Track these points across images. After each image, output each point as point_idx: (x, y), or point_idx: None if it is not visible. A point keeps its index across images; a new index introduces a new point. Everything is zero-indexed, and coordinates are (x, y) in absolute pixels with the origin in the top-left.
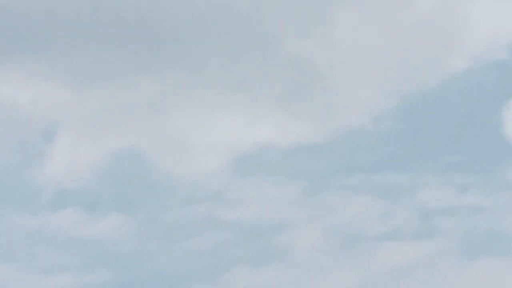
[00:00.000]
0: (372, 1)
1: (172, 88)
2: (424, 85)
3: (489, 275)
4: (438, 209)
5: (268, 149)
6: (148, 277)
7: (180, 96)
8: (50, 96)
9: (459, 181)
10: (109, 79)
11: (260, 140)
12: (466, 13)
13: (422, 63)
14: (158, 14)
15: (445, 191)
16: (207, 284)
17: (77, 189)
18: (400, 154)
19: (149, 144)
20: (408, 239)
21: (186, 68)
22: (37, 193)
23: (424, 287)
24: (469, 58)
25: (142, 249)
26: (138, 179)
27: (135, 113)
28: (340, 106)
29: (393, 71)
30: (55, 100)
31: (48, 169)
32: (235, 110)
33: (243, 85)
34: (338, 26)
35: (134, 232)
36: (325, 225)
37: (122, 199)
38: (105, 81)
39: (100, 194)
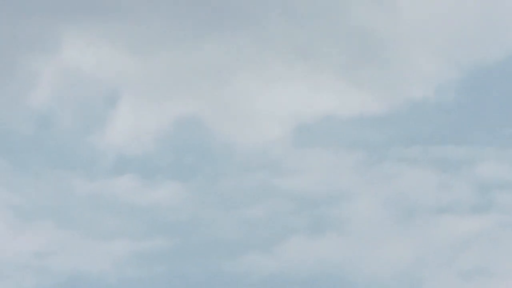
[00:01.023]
0: None
1: (235, 55)
2: (489, 57)
3: None
4: (496, 183)
5: (330, 119)
6: (203, 244)
7: (243, 63)
8: (113, 61)
9: None
10: (173, 44)
11: (322, 109)
12: None
13: (488, 35)
14: None
15: (505, 165)
16: (263, 253)
17: (137, 155)
18: (460, 127)
19: (210, 111)
20: (466, 213)
21: (249, 34)
22: (97, 158)
23: (481, 261)
24: None
25: (198, 216)
26: (198, 147)
27: (197, 80)
28: (404, 76)
29: (458, 42)
30: (118, 66)
31: (109, 135)
32: (298, 79)
33: (307, 53)
34: None
35: (190, 199)
36: (383, 196)
37: (180, 166)
38: (168, 47)
39: (159, 161)
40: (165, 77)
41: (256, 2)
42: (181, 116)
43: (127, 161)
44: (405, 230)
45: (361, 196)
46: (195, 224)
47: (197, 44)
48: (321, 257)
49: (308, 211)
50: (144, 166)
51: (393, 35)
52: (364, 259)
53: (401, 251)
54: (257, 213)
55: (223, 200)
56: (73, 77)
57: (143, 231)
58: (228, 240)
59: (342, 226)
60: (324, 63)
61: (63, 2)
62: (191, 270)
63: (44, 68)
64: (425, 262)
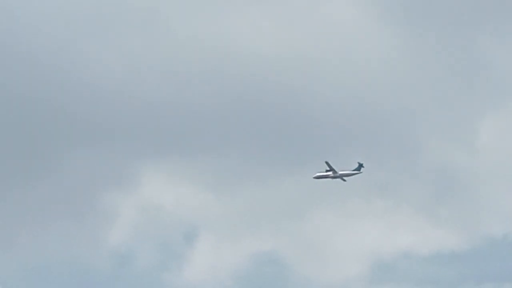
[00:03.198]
0: None
1: (313, 192)
2: None
3: None
4: None
5: (408, 256)
6: None
7: (322, 199)
8: (192, 198)
9: None
10: (251, 181)
11: (400, 246)
12: None
13: None
14: (301, 119)
15: None
16: None
17: None
18: None
19: (288, 248)
20: None
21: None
22: None
23: None
24: None
25: None
26: (275, 285)
27: (276, 216)
28: (484, 213)
29: None
30: (196, 202)
31: (186, 272)
32: (376, 215)
33: (385, 190)
34: (482, 133)
35: None
36: None
37: None
38: (247, 184)
39: None
40: (244, 213)
41: (335, 140)
42: (259, 253)
43: None
44: None
45: None
46: None
47: (275, 180)
48: None
49: None
50: None
51: (472, 173)
52: None
53: None
54: None
55: None
56: (151, 213)
57: None
58: None
59: None
60: (402, 200)
61: (142, 140)
62: None
63: (124, 204)
64: None
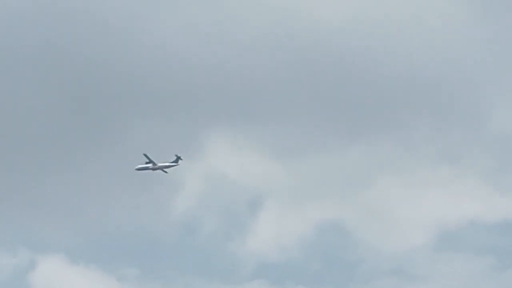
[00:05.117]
0: None
1: (379, 159)
2: None
3: None
4: None
5: (474, 225)
6: None
7: (387, 168)
8: (257, 167)
9: None
10: (317, 150)
11: (466, 215)
12: None
13: None
14: (368, 86)
15: None
16: None
17: (276, 261)
18: None
19: (353, 217)
20: None
21: (394, 138)
22: (236, 264)
23: None
24: None
25: None
26: (337, 253)
27: (340, 184)
28: None
29: None
30: (261, 171)
31: (250, 241)
32: (442, 184)
33: (451, 159)
34: None
35: None
36: None
37: (311, 272)
38: (312, 152)
39: (292, 268)
40: (308, 182)
41: (403, 108)
42: (324, 221)
43: (266, 267)
44: None
45: None
46: None
47: (341, 148)
48: None
49: None
50: (277, 272)
51: None
52: None
53: None
54: None
55: None
56: (216, 182)
57: None
58: None
59: None
60: (468, 168)
61: (207, 108)
62: None
63: (189, 173)
64: None
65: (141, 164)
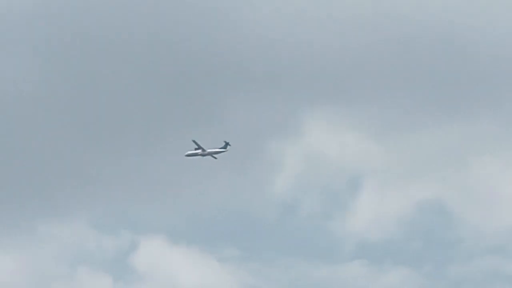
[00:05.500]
0: None
1: (477, 138)
2: None
3: None
4: None
5: None
6: None
7: (486, 146)
8: (356, 146)
9: None
10: (415, 128)
11: None
12: None
13: None
14: (470, 63)
15: None
16: None
17: (376, 241)
18: None
19: (453, 196)
20: None
21: (493, 117)
22: (336, 244)
23: None
24: None
25: None
26: (437, 232)
27: (439, 163)
28: None
29: None
30: (361, 150)
31: (350, 220)
32: None
33: None
34: None
35: (418, 286)
36: None
37: (411, 251)
38: (411, 131)
39: (392, 247)
40: (408, 161)
41: (502, 85)
42: (424, 200)
43: (365, 247)
44: None
45: None
46: None
47: (440, 127)
48: None
49: None
50: (377, 252)
51: None
52: None
53: None
54: None
55: (451, 287)
56: (316, 162)
57: None
58: None
59: None
60: None
61: (306, 88)
62: None
63: (288, 153)
64: None
65: (191, 150)
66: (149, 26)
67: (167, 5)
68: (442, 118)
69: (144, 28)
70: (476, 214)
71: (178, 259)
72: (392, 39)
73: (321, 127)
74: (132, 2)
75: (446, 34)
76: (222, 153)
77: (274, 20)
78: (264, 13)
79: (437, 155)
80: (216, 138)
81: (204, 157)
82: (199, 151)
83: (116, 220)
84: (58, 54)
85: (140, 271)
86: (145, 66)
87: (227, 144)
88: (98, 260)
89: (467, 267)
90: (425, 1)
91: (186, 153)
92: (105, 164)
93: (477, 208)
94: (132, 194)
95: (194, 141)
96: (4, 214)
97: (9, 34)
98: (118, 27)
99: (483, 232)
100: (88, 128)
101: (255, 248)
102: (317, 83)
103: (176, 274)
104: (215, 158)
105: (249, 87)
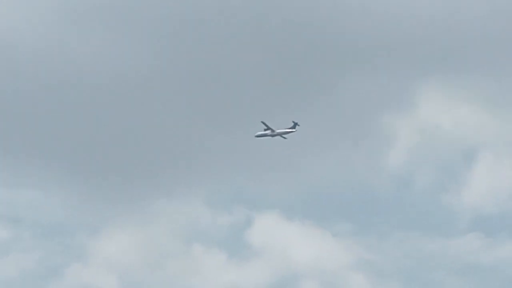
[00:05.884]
0: None
1: None
2: None
3: None
4: None
5: None
6: None
7: None
8: (470, 118)
9: None
10: None
11: None
12: None
13: None
14: None
15: None
16: None
17: (491, 214)
18: None
19: None
20: None
21: None
22: (451, 218)
23: None
24: None
25: None
26: None
27: None
28: None
29: None
30: (475, 123)
31: (465, 194)
32: None
33: None
34: None
35: None
36: None
37: None
38: None
39: (509, 219)
40: None
41: None
42: None
43: (481, 220)
44: None
45: None
46: None
47: None
48: None
49: None
50: (492, 224)
51: None
52: None
53: None
54: None
55: None
56: (430, 135)
57: None
58: None
59: None
60: None
61: (419, 60)
62: None
63: (402, 126)
64: None
65: (260, 131)
66: (264, 5)
67: None
68: None
69: (260, 7)
70: None
71: (292, 234)
72: (502, 9)
73: (435, 99)
74: None
75: None
76: (291, 133)
77: None
78: None
79: None
80: (331, 111)
81: (274, 137)
82: (268, 131)
83: (231, 197)
84: (175, 35)
85: (255, 247)
86: (262, 45)
87: (295, 124)
88: (213, 237)
89: None
90: None
91: (256, 134)
92: (219, 141)
93: None
94: (246, 171)
95: (263, 122)
96: (120, 193)
97: (126, 16)
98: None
99: None
100: (202, 106)
101: (370, 222)
102: (431, 55)
103: (291, 250)
104: (285, 138)
105: (362, 61)
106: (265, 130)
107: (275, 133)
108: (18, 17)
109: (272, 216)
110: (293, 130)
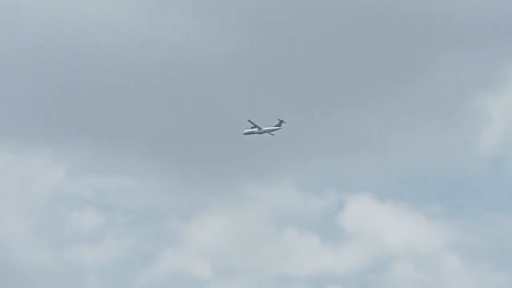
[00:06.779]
0: None
1: None
2: None
3: None
4: None
5: None
6: None
7: None
8: None
9: None
10: None
11: None
12: None
13: None
14: None
15: None
16: None
17: None
18: None
19: None
20: None
21: None
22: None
23: None
24: None
25: None
26: None
27: None
28: None
29: None
30: None
31: None
32: None
33: None
34: None
35: None
36: None
37: None
38: None
39: None
40: None
41: None
42: None
43: None
44: None
45: None
46: None
47: None
48: None
49: None
50: None
51: None
52: None
53: None
54: None
55: None
56: None
57: None
58: None
59: None
60: None
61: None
62: None
63: (494, 107)
64: None
65: (247, 129)
66: None
67: None
68: None
69: None
70: None
71: (385, 217)
72: None
73: None
74: None
75: None
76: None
77: None
78: None
79: None
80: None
81: (261, 134)
82: (256, 129)
83: (323, 180)
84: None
85: (348, 230)
86: (349, 28)
87: (281, 121)
88: (305, 221)
89: None
90: None
91: (244, 132)
92: (320, 126)
93: None
94: (339, 153)
95: (249, 120)
96: (212, 178)
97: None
98: None
99: None
100: (294, 88)
101: (462, 205)
102: None
103: (384, 232)
104: (273, 135)
105: (454, 42)
106: (252, 127)
107: (262, 130)
108: (104, 3)
109: (364, 199)
110: (279, 127)
